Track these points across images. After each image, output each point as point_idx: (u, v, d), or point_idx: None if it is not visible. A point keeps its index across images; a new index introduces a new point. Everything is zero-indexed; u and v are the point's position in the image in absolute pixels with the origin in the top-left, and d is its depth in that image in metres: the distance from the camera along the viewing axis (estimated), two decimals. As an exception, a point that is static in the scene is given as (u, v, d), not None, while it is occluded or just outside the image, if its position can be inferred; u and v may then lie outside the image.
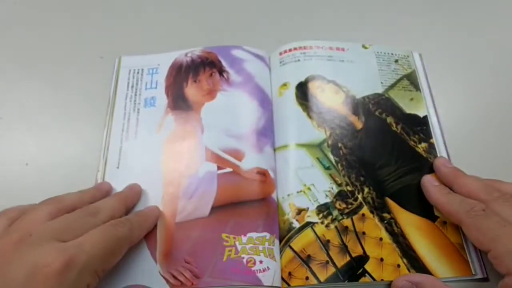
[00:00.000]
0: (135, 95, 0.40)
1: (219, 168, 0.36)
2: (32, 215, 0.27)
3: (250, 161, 0.36)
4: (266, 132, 0.37)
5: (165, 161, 0.36)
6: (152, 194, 0.35)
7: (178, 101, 0.39)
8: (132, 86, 0.40)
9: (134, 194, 0.34)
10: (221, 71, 0.40)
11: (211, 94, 0.39)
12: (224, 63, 0.41)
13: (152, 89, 0.40)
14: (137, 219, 0.31)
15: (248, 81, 0.40)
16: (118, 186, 0.35)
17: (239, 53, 0.41)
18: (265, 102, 0.39)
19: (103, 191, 0.34)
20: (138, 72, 0.41)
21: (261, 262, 0.31)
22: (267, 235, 0.33)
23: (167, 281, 0.31)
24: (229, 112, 0.38)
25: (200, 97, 0.39)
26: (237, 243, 0.32)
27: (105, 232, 0.27)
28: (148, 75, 0.41)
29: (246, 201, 0.34)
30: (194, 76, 0.40)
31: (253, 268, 0.31)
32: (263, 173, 0.35)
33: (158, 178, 0.35)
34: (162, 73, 0.41)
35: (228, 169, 0.35)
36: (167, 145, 0.37)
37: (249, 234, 0.32)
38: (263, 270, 0.31)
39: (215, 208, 0.34)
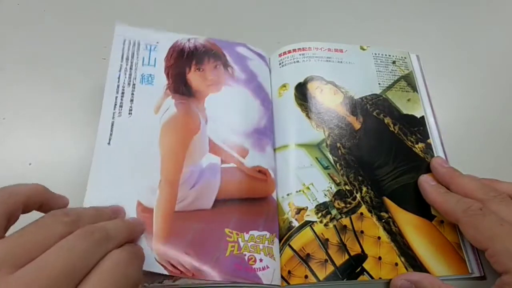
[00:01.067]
0: (131, 68, 0.37)
1: (222, 161, 0.35)
2: (37, 237, 0.22)
3: (253, 160, 0.35)
4: (267, 132, 0.38)
5: (164, 145, 0.34)
6: (148, 176, 0.33)
7: (180, 85, 0.38)
8: (127, 58, 0.38)
9: (140, 230, 0.30)
10: (225, 65, 0.40)
11: (216, 86, 0.38)
12: (228, 58, 0.40)
13: (150, 66, 0.38)
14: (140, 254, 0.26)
15: (252, 80, 0.40)
16: (109, 164, 0.32)
17: (243, 50, 0.41)
18: (266, 102, 0.39)
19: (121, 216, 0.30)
20: (134, 45, 0.39)
21: (261, 260, 0.31)
22: (267, 234, 0.33)
23: (165, 267, 0.29)
24: (234, 108, 0.38)
25: (204, 86, 0.38)
26: (239, 239, 0.32)
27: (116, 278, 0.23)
28: (146, 50, 0.39)
29: (248, 199, 0.34)
30: (197, 64, 0.39)
31: (254, 266, 0.31)
32: (264, 173, 0.35)
33: (155, 161, 0.33)
34: (162, 51, 0.39)
35: (232, 164, 0.35)
36: (167, 129, 0.35)
37: (251, 232, 0.32)
38: (263, 269, 0.31)
39: (218, 202, 0.33)
